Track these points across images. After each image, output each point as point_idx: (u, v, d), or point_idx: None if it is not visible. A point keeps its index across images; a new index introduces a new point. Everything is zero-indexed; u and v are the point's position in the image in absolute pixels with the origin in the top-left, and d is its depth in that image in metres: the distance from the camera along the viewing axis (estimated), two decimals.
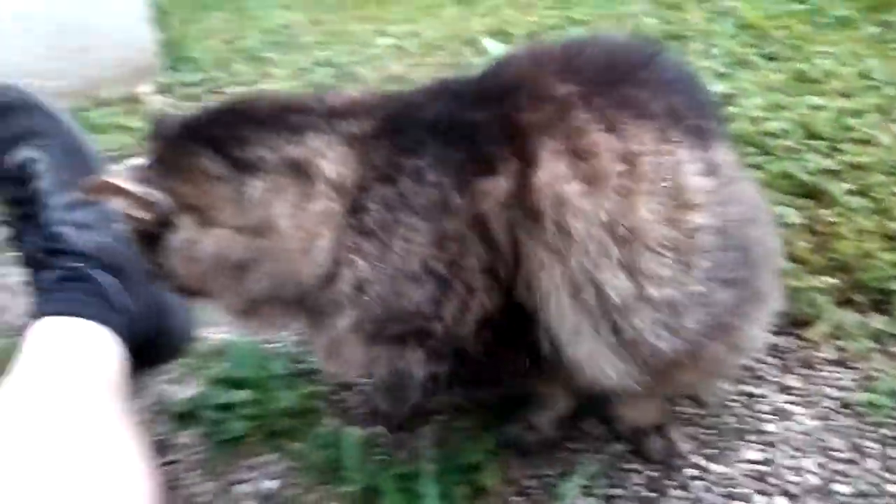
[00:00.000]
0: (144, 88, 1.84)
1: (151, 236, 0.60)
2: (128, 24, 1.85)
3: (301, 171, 0.58)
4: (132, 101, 1.80)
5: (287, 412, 0.85)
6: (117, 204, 0.58)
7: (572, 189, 0.56)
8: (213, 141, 0.59)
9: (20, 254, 0.79)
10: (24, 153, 0.79)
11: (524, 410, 0.79)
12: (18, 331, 1.00)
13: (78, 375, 0.64)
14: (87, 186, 0.60)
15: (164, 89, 1.86)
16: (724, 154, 0.63)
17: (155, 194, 0.57)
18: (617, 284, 0.57)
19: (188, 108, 1.22)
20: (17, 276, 1.12)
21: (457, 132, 0.59)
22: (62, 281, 0.73)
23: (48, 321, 0.69)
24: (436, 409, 0.84)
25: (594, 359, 0.61)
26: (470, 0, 2.94)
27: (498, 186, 0.57)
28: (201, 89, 1.88)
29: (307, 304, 0.61)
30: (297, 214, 0.58)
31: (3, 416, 0.59)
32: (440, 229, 0.57)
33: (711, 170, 0.60)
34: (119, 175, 0.59)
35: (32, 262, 0.77)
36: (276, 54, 2.27)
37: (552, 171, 0.56)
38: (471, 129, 0.59)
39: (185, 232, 0.58)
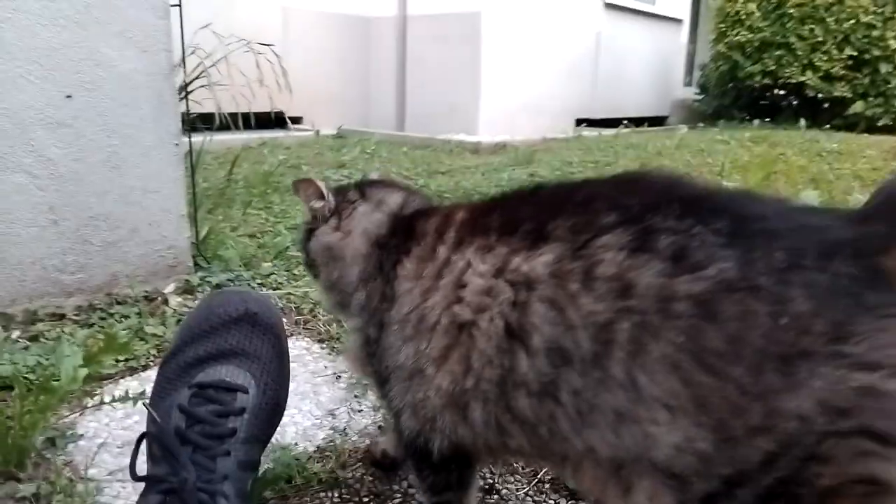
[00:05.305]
0: (168, 288, 1.73)
1: (310, 231, 0.95)
2: (160, 220, 1.78)
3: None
4: (153, 300, 1.68)
5: None
6: (311, 197, 0.95)
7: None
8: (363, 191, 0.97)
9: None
10: (232, 374, 0.84)
11: None
12: None
13: None
14: (297, 183, 0.95)
15: (188, 289, 1.74)
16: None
17: (331, 197, 0.94)
18: None
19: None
20: None
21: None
22: None
23: None
24: None
25: None
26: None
27: None
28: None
29: None
30: None
31: None
32: None
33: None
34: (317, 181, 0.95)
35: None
36: None
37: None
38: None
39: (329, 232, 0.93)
